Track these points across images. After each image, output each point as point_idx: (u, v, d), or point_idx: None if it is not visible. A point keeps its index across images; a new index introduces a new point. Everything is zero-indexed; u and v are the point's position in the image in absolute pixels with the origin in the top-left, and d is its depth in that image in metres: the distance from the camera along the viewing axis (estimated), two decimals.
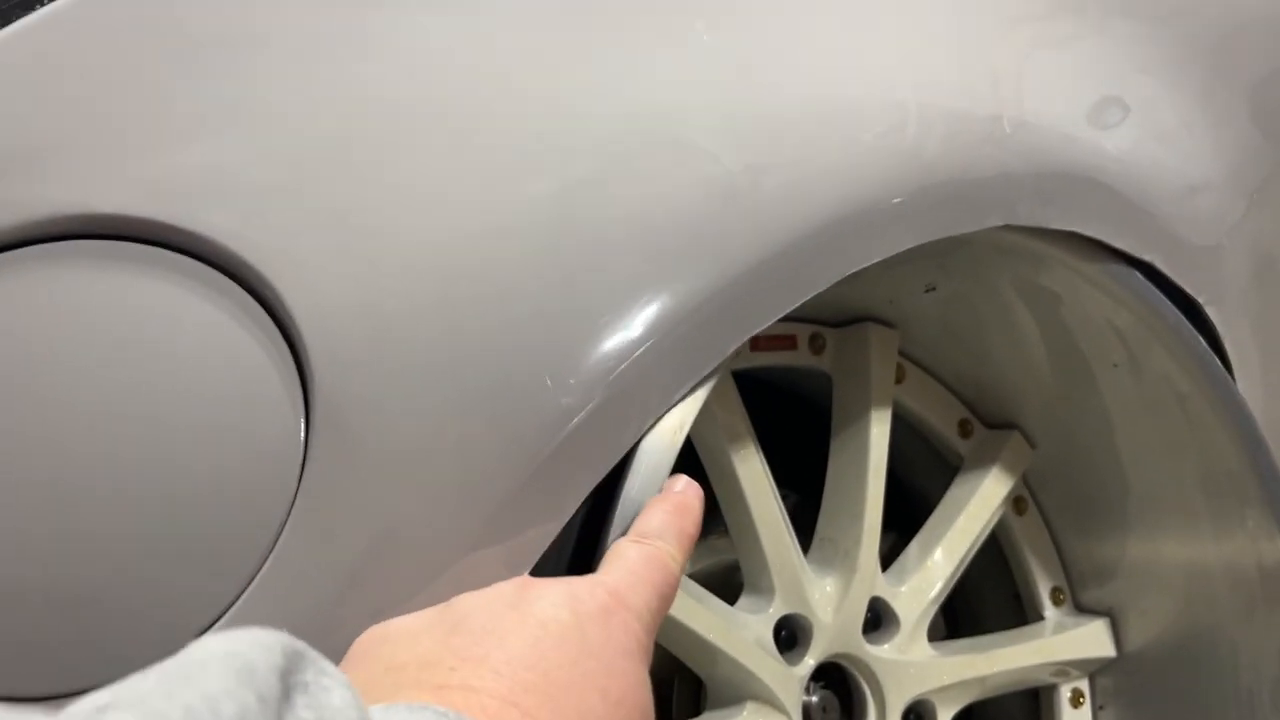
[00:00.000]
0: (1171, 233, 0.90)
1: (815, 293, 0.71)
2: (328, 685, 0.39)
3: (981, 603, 1.04)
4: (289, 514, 0.60)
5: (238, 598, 0.59)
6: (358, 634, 0.57)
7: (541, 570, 0.64)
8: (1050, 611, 1.00)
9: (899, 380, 0.95)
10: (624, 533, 0.64)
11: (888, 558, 0.91)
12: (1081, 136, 0.86)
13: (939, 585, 0.91)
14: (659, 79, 0.71)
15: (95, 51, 0.61)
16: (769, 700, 0.80)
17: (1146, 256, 0.87)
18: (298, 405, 0.61)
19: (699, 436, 0.80)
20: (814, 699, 0.85)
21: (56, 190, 0.59)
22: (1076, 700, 0.99)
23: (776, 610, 0.83)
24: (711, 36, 0.73)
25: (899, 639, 0.89)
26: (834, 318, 0.92)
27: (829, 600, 0.85)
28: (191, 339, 0.61)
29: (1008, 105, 0.82)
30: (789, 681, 0.81)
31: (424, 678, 0.51)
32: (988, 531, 0.95)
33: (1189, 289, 0.91)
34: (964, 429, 0.98)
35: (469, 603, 0.56)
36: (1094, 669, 1.00)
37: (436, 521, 0.62)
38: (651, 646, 0.58)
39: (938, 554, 0.92)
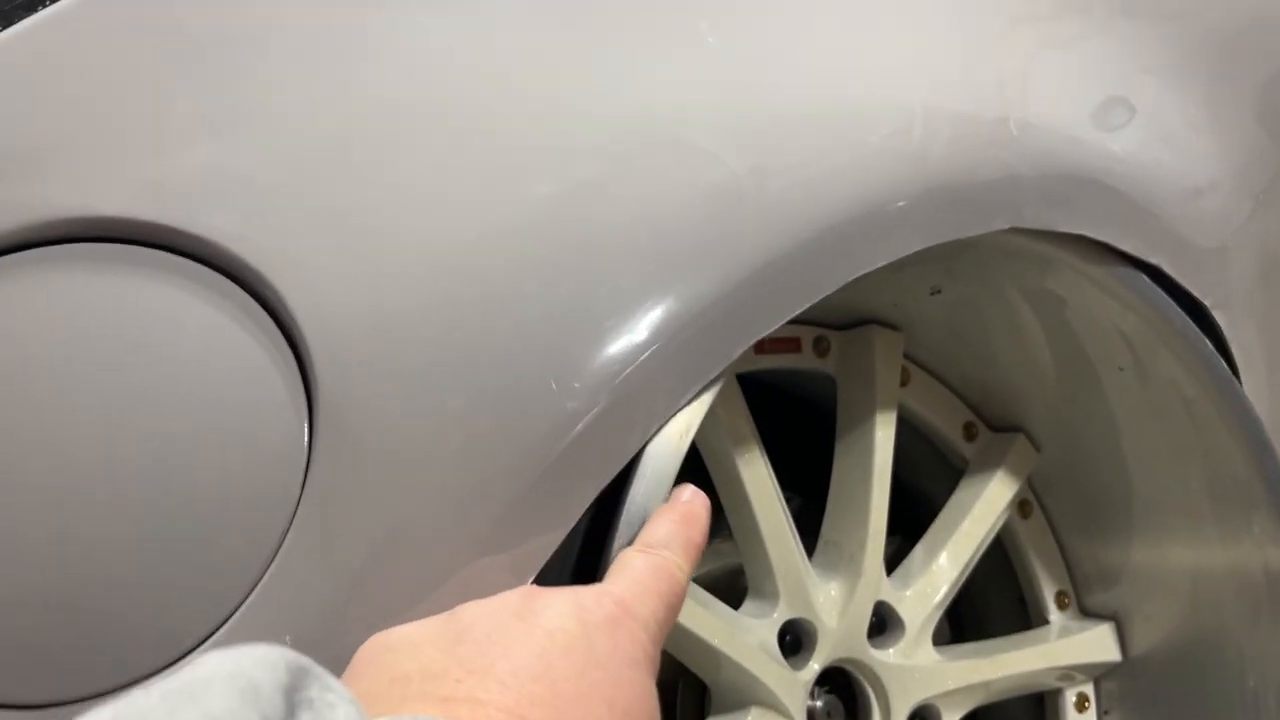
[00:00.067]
0: (1178, 235, 0.90)
1: (822, 296, 0.70)
2: (332, 701, 0.39)
3: (986, 606, 1.04)
4: (293, 518, 0.60)
5: (241, 603, 0.58)
6: (361, 640, 0.56)
7: (546, 576, 0.63)
8: (1055, 616, 0.99)
9: (904, 383, 0.94)
10: (630, 540, 0.64)
11: (892, 561, 0.91)
12: (1088, 138, 0.85)
13: (944, 589, 0.91)
14: (664, 80, 0.71)
15: (96, 53, 0.61)
16: (773, 705, 0.80)
17: (1153, 259, 0.87)
18: (301, 408, 0.61)
19: (704, 440, 0.80)
20: (818, 704, 0.85)
21: (57, 193, 0.59)
22: (1082, 705, 0.99)
23: (781, 615, 0.82)
24: (716, 38, 0.73)
25: (904, 643, 0.88)
26: (838, 320, 0.91)
27: (834, 604, 0.85)
28: (193, 342, 0.60)
29: (1014, 107, 0.82)
30: (793, 686, 0.81)
31: (429, 689, 0.50)
32: (993, 535, 0.95)
33: (1195, 292, 0.90)
34: (969, 432, 0.98)
35: (473, 612, 0.55)
36: (1099, 673, 0.99)
37: (441, 526, 0.62)
38: (658, 657, 0.58)
39: (943, 558, 0.92)
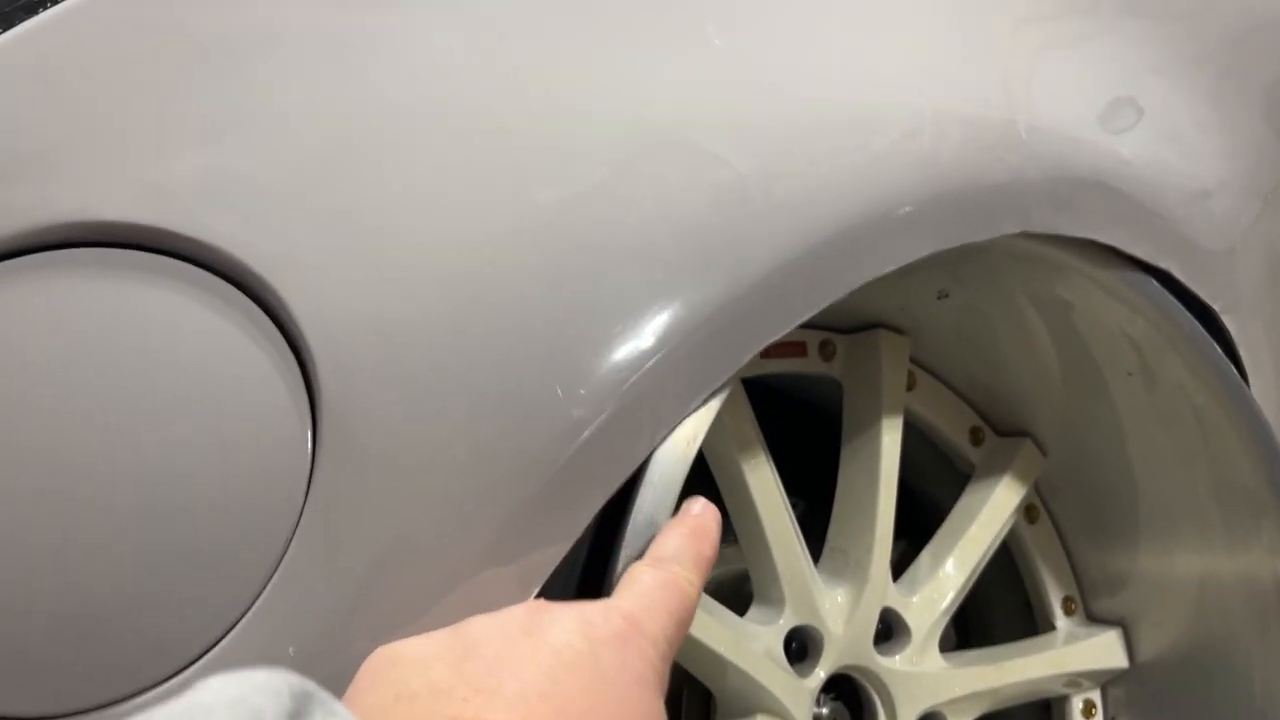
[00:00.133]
0: (1187, 238, 0.89)
1: (831, 301, 0.70)
2: None
3: (991, 611, 1.03)
4: (296, 526, 0.59)
5: (245, 613, 0.58)
6: (367, 651, 0.56)
7: (553, 585, 0.63)
8: (1062, 621, 0.99)
9: (910, 387, 0.94)
10: (638, 551, 0.63)
11: (898, 566, 0.91)
12: (1096, 141, 0.85)
13: (951, 595, 0.90)
14: (670, 83, 0.70)
15: (97, 55, 0.60)
16: (779, 713, 0.79)
17: (1162, 264, 0.86)
18: (304, 414, 0.60)
19: (709, 446, 0.79)
20: (824, 711, 0.85)
21: (57, 197, 0.58)
22: (1089, 711, 0.99)
23: (787, 622, 0.82)
24: (723, 40, 0.72)
25: (910, 650, 0.88)
26: (844, 324, 0.91)
27: (840, 611, 0.84)
28: (196, 347, 0.60)
29: (1022, 109, 0.81)
30: (799, 694, 0.80)
31: (436, 708, 0.49)
32: (999, 540, 0.94)
33: (1204, 296, 0.89)
34: (975, 436, 0.97)
35: (480, 627, 0.55)
36: (1106, 680, 0.99)
37: (447, 533, 0.61)
38: (667, 674, 0.57)
39: (949, 564, 0.91)
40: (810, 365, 0.90)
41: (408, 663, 0.53)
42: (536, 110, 0.66)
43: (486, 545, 0.61)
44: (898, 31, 0.80)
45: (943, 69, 0.79)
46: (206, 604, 0.57)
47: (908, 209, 0.73)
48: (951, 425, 0.97)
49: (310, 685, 0.39)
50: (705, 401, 0.66)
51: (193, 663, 0.57)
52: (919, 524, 0.98)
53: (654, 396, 0.64)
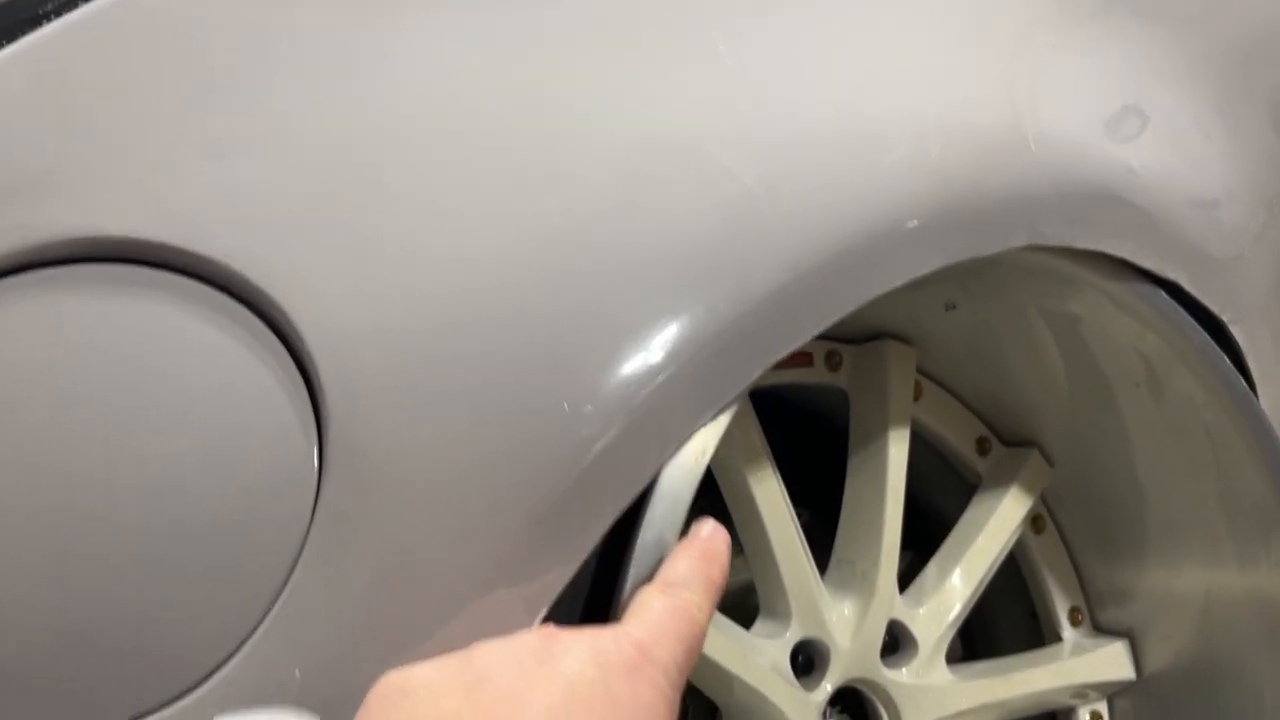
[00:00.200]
0: (1195, 248, 0.89)
1: (840, 316, 0.69)
2: None
3: (997, 621, 1.03)
4: (303, 545, 0.59)
5: (251, 633, 0.57)
6: (374, 674, 0.55)
7: (562, 602, 0.62)
8: (1068, 632, 0.98)
9: (916, 397, 0.93)
10: (646, 571, 0.63)
11: (904, 577, 0.90)
12: (1104, 150, 0.84)
13: (958, 607, 0.90)
14: (678, 97, 0.70)
15: (102, 71, 0.60)
16: None
17: (1171, 274, 0.86)
18: (310, 431, 0.60)
19: (716, 458, 0.78)
20: None
21: (62, 213, 0.58)
22: None
23: (793, 635, 0.81)
24: (730, 54, 0.72)
25: (917, 663, 0.87)
26: (851, 334, 0.90)
27: (847, 624, 0.84)
28: (200, 363, 0.59)
29: (1029, 120, 0.80)
30: (806, 708, 0.80)
31: None
32: (1006, 551, 0.94)
33: (1213, 307, 0.89)
34: (982, 447, 0.97)
35: (491, 655, 0.54)
36: (1113, 691, 0.98)
37: (454, 552, 0.61)
38: (678, 703, 0.57)
39: (956, 576, 0.90)
40: (817, 375, 0.89)
41: (418, 691, 0.52)
42: (543, 124, 0.66)
43: (494, 564, 0.61)
44: (904, 43, 0.79)
45: (949, 81, 0.79)
46: (213, 624, 0.57)
47: (915, 222, 0.72)
48: (958, 435, 0.96)
49: None
50: (714, 417, 0.66)
51: (199, 684, 0.56)
52: (924, 534, 0.97)
53: (662, 413, 0.64)
